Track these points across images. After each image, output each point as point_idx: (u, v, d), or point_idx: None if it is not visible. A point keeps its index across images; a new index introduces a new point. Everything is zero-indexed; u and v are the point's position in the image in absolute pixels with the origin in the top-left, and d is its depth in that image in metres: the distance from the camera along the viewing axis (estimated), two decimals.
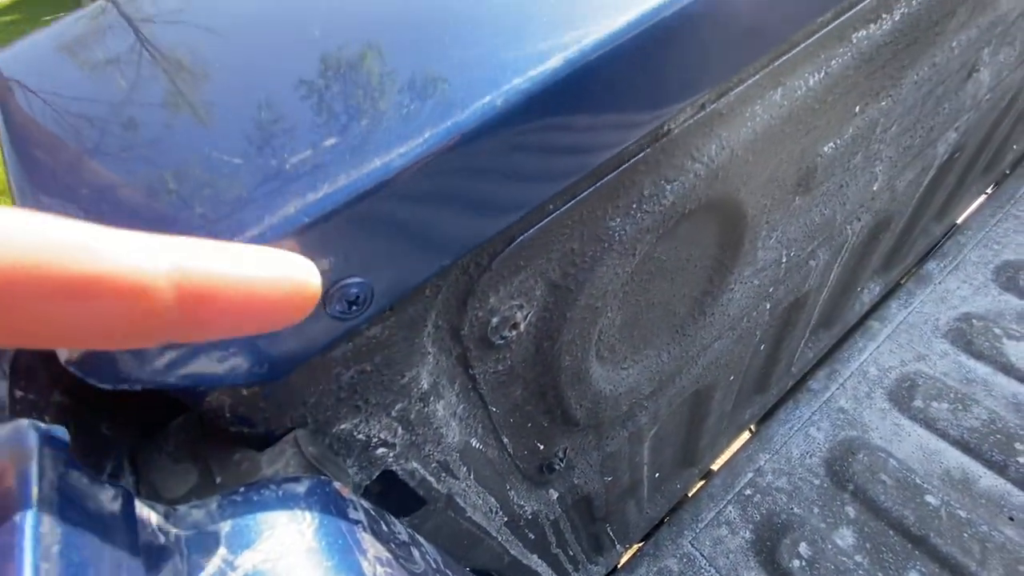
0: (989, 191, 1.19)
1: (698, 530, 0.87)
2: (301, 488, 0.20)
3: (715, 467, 0.96)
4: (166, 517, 0.17)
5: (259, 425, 0.22)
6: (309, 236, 0.17)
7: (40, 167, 0.23)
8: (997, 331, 0.96)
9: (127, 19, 0.30)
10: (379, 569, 0.19)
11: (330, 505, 0.20)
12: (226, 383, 0.19)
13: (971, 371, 0.93)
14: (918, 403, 0.91)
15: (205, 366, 0.18)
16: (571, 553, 0.72)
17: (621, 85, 0.23)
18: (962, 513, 0.80)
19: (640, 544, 0.89)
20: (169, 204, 0.18)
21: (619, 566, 0.88)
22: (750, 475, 0.91)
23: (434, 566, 0.26)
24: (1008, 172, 1.20)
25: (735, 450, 0.95)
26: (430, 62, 0.21)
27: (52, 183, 0.21)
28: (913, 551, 0.79)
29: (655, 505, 0.85)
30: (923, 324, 1.00)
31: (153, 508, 0.17)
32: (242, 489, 0.19)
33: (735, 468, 0.92)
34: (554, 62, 0.20)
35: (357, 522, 0.20)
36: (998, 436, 0.85)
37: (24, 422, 0.14)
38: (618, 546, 0.82)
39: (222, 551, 0.17)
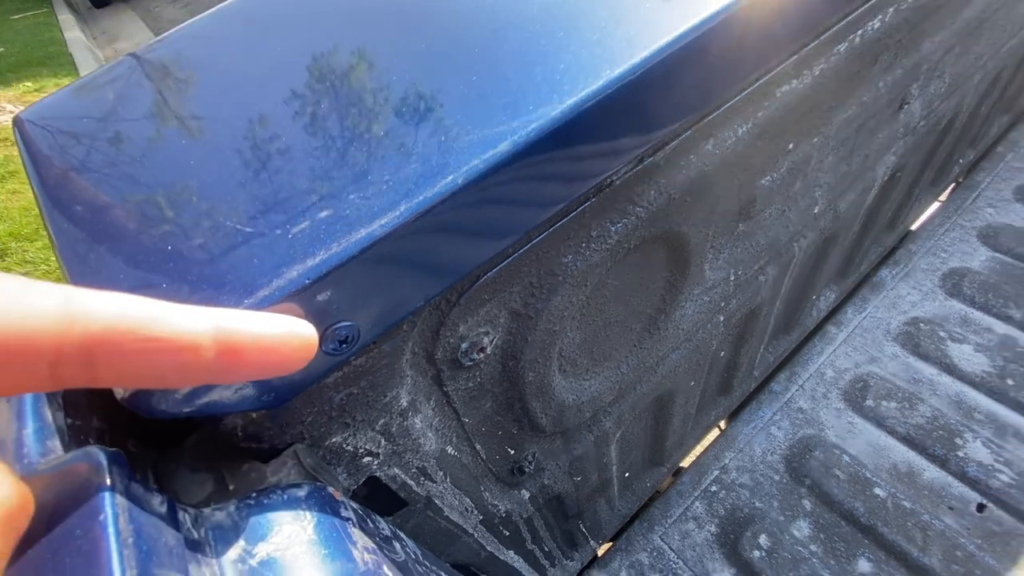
0: (943, 197, 1.27)
1: (667, 525, 0.93)
2: (301, 493, 0.24)
3: (684, 465, 1.02)
4: (196, 518, 0.21)
5: (265, 441, 0.27)
6: (308, 293, 0.22)
7: (72, 217, 0.27)
8: (942, 334, 1.03)
9: (143, 80, 0.34)
10: (367, 556, 0.23)
11: (325, 506, 0.24)
12: (240, 409, 0.23)
13: (918, 372, 1.00)
14: (870, 402, 0.98)
15: (224, 397, 0.22)
16: (546, 549, 0.77)
17: (564, 153, 0.28)
18: (907, 504, 0.87)
19: (613, 540, 0.95)
20: (202, 270, 0.22)
21: (595, 560, 0.93)
22: (716, 473, 0.97)
23: (413, 556, 0.31)
24: (960, 180, 1.28)
25: (703, 449, 1.01)
26: (403, 142, 0.26)
27: (87, 240, 0.25)
28: (862, 539, 0.86)
29: (626, 503, 0.90)
30: (876, 328, 1.07)
31: (186, 510, 0.21)
32: (254, 494, 0.23)
33: (702, 466, 0.98)
34: (504, 146, 0.25)
35: (348, 519, 0.25)
36: (941, 432, 0.92)
37: (94, 447, 0.18)
38: (592, 542, 0.88)
39: (242, 543, 0.21)
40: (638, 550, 0.91)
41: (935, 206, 1.26)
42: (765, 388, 1.04)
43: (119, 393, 0.20)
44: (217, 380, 0.17)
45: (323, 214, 0.24)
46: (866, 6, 0.43)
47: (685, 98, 0.33)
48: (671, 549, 0.91)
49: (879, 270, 1.15)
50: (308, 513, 0.23)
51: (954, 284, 1.10)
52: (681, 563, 0.89)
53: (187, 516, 0.21)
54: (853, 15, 0.42)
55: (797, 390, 1.02)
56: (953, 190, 1.27)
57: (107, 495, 0.17)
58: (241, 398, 0.23)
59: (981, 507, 0.86)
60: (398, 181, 0.24)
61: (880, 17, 0.46)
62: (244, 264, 0.22)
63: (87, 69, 4.16)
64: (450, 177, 0.24)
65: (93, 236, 0.25)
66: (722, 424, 1.07)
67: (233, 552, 0.21)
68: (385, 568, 0.24)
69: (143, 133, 0.30)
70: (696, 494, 0.95)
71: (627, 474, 0.84)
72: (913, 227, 1.22)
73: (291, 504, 0.23)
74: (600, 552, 0.95)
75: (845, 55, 0.45)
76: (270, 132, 0.28)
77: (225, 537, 0.21)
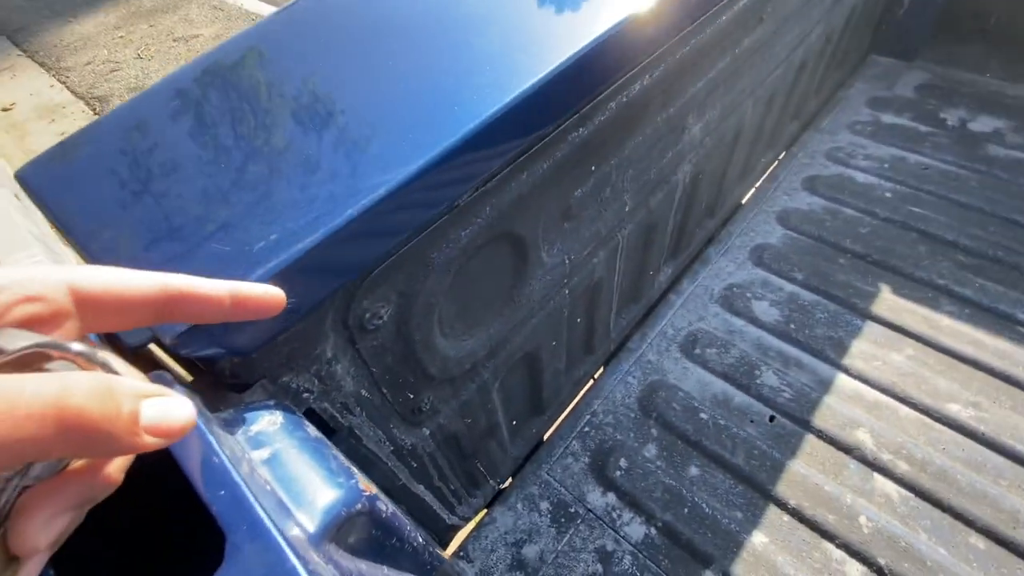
0: (756, 188, 1.62)
1: (552, 462, 1.15)
2: (271, 403, 0.41)
3: (565, 415, 1.25)
4: (210, 415, 0.37)
5: (241, 378, 0.42)
6: (271, 281, 0.38)
7: (97, 237, 0.41)
8: (749, 295, 1.36)
9: (117, 134, 0.47)
10: (315, 434, 0.40)
11: (286, 411, 0.41)
12: (229, 355, 0.39)
13: (732, 324, 1.31)
14: (698, 351, 1.27)
15: (222, 346, 0.38)
16: (452, 487, 0.95)
17: (424, 189, 0.46)
18: (722, 422, 1.16)
19: (510, 480, 1.16)
20: (210, 263, 0.38)
21: (496, 497, 1.14)
22: (588, 417, 1.21)
23: (340, 457, 0.48)
24: (763, 176, 1.64)
25: (578, 401, 1.25)
26: (321, 185, 0.43)
27: (115, 248, 0.39)
28: (692, 452, 1.14)
29: (517, 447, 1.12)
30: (704, 294, 1.38)
31: (209, 411, 0.37)
32: (243, 405, 0.40)
33: (577, 413, 1.22)
34: (380, 191, 0.43)
35: (301, 417, 0.42)
36: (745, 367, 1.23)
37: (162, 372, 0.34)
38: (491, 481, 1.08)
39: (243, 426, 0.37)
40: (530, 485, 1.13)
41: (748, 195, 1.61)
42: (624, 347, 1.31)
43: (166, 340, 0.35)
44: (230, 319, 0.32)
45: (272, 236, 0.40)
46: (626, 77, 0.65)
47: (502, 149, 0.53)
48: (555, 480, 1.13)
49: (706, 248, 1.46)
50: (278, 413, 0.40)
51: (758, 256, 1.43)
52: (563, 490, 1.12)
53: (208, 413, 0.37)
54: (617, 83, 0.64)
55: (647, 346, 1.30)
56: (759, 183, 1.62)
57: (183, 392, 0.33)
58: (231, 347, 0.39)
59: (772, 418, 1.17)
60: (316, 215, 0.41)
61: (640, 82, 0.68)
62: (227, 270, 0.38)
63: None
64: (350, 210, 0.42)
65: (118, 249, 0.39)
66: (595, 379, 1.32)
67: (239, 430, 0.37)
68: (327, 441, 0.41)
69: (134, 175, 0.44)
70: (573, 435, 1.18)
71: (514, 422, 1.05)
72: (730, 215, 1.55)
73: (266, 408, 0.40)
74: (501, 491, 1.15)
75: (617, 109, 0.67)
76: (235, 182, 0.43)
77: (231, 425, 0.37)
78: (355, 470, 0.39)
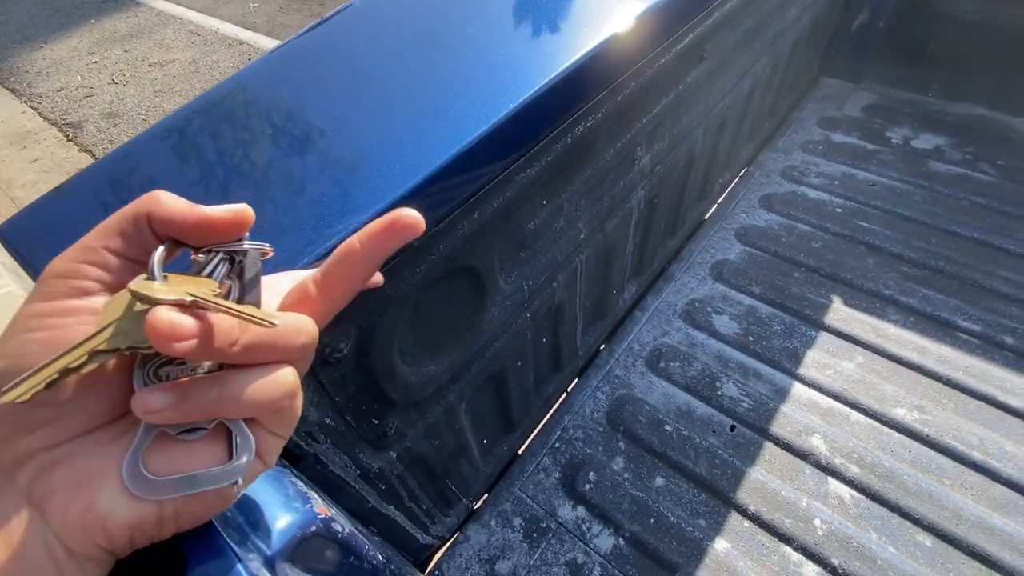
0: (716, 205, 1.69)
1: (524, 479, 1.19)
2: None
3: (537, 432, 1.29)
4: None
5: None
6: None
7: None
8: (709, 309, 1.42)
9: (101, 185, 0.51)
10: (296, 482, 0.44)
11: None
12: None
13: (694, 338, 1.37)
14: (662, 365, 1.33)
15: None
16: (424, 507, 0.98)
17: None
18: (686, 433, 1.21)
19: (485, 497, 1.19)
20: None
21: (471, 515, 1.17)
22: (558, 433, 1.25)
23: (298, 484, 0.51)
24: (722, 195, 1.72)
25: (549, 417, 1.29)
26: (283, 233, 0.47)
27: None
28: (658, 463, 1.18)
29: (489, 465, 1.15)
30: (667, 310, 1.44)
31: None
32: None
33: (548, 429, 1.26)
34: (334, 238, 0.47)
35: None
36: (707, 379, 1.29)
37: None
38: (464, 500, 1.11)
39: None
40: (503, 502, 1.16)
41: (710, 213, 1.68)
42: (592, 363, 1.36)
43: None
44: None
45: None
46: (569, 120, 0.70)
47: (452, 192, 0.57)
48: (527, 496, 1.17)
49: (670, 265, 1.53)
50: None
51: (718, 272, 1.50)
52: (535, 505, 1.16)
53: None
54: (561, 127, 0.70)
55: (614, 362, 1.35)
56: (719, 201, 1.70)
57: None
58: None
59: (732, 428, 1.23)
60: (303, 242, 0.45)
61: (583, 123, 0.74)
62: None
63: None
64: (305, 258, 0.46)
65: None
66: (569, 391, 1.37)
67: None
68: (285, 470, 0.45)
69: None
70: (544, 451, 1.22)
71: (485, 441, 1.09)
72: (691, 234, 1.62)
73: None
74: (476, 508, 1.18)
75: (563, 149, 0.73)
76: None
77: None
78: (313, 495, 0.43)
